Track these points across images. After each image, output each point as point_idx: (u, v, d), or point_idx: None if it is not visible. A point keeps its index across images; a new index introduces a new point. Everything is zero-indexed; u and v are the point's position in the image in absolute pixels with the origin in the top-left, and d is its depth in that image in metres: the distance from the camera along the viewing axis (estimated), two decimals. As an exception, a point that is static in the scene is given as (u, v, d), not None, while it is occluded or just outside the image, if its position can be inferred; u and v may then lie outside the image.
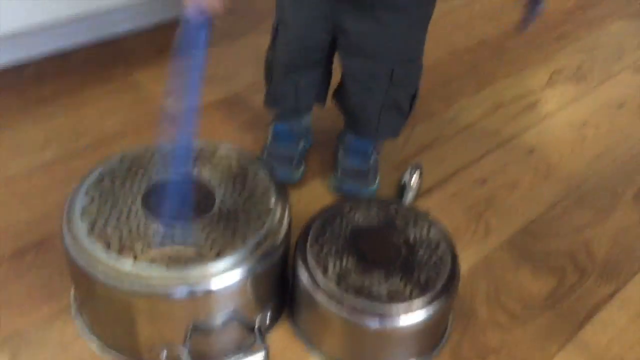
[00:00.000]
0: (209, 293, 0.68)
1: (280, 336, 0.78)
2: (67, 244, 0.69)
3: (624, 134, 1.18)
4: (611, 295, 0.87)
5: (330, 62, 0.94)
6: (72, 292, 0.79)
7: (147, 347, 0.72)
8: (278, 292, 0.78)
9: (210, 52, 1.27)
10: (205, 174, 0.77)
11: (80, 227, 0.69)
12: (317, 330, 0.75)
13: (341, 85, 0.96)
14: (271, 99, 0.98)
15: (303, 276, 0.72)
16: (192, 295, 0.67)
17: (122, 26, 1.28)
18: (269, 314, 0.77)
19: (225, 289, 0.68)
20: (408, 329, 0.71)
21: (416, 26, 0.87)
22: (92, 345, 0.74)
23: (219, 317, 0.71)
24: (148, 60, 1.22)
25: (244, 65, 1.24)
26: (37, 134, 1.03)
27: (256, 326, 0.74)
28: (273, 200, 0.75)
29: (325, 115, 1.05)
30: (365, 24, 0.84)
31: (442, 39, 1.22)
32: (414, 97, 0.94)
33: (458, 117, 1.17)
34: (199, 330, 0.71)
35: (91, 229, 0.69)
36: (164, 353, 0.72)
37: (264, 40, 0.95)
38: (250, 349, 0.73)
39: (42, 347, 0.74)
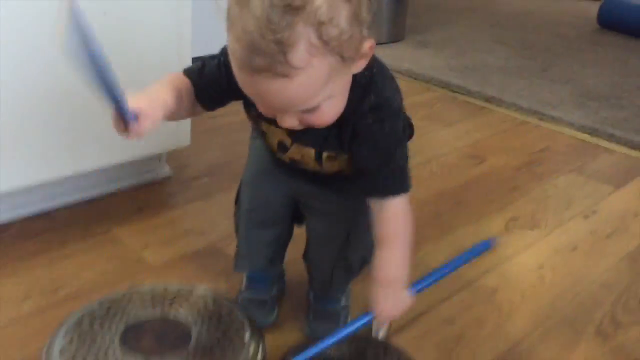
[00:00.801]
0: None
1: None
2: (44, 384, 0.71)
3: (578, 275, 1.25)
4: None
5: (292, 220, 1.00)
6: None
7: None
8: None
9: (187, 210, 1.37)
10: (182, 312, 0.81)
11: (59, 366, 0.71)
12: None
13: (306, 242, 1.02)
14: (240, 260, 1.03)
15: (278, 410, 0.73)
16: None
17: (104, 187, 1.36)
18: None
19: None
20: None
21: None
22: None
23: None
24: (127, 217, 1.29)
25: (219, 220, 1.31)
26: (16, 288, 1.06)
27: None
28: (247, 335, 0.78)
29: (298, 258, 1.11)
30: (325, 196, 0.92)
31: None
32: (364, 261, 0.99)
33: (423, 262, 1.22)
34: None
35: (69, 367, 0.71)
36: None
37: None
38: None
39: None
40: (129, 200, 1.36)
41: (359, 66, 0.73)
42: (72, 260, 1.15)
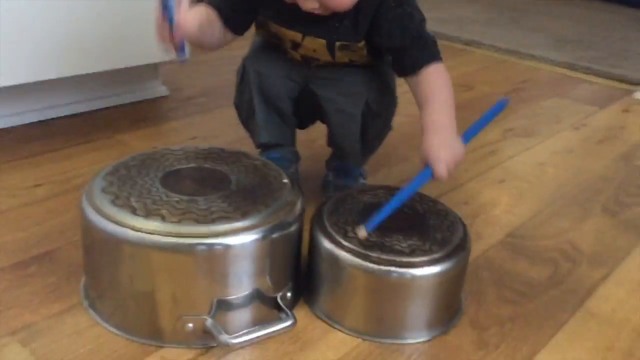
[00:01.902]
0: (235, 248, 0.68)
1: (301, 317, 0.76)
2: (88, 216, 0.69)
3: (578, 169, 1.29)
4: (605, 277, 0.92)
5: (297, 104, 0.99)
6: (82, 287, 0.76)
7: (171, 321, 0.69)
8: (295, 274, 0.78)
9: (190, 121, 1.35)
10: (217, 164, 0.80)
11: (103, 200, 0.70)
12: (338, 301, 0.75)
13: (327, 128, 1.01)
14: (262, 135, 1.02)
15: (324, 242, 0.73)
16: (218, 249, 0.67)
17: (101, 101, 1.34)
18: (288, 294, 0.76)
19: (250, 246, 0.69)
20: (430, 281, 0.72)
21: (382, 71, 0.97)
22: (111, 329, 0.71)
23: (243, 286, 0.70)
24: (130, 126, 1.27)
25: (224, 129, 1.30)
26: (26, 178, 1.03)
27: (279, 300, 0.73)
28: (286, 180, 0.78)
29: (307, 152, 1.11)
30: (337, 69, 0.93)
31: (405, 109, 1.33)
32: (382, 129, 1.00)
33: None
34: (223, 305, 0.70)
35: (114, 200, 0.70)
36: (190, 326, 0.69)
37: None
38: (276, 322, 0.72)
39: (54, 335, 0.70)
40: (129, 113, 1.33)
41: None
42: (79, 157, 1.12)
